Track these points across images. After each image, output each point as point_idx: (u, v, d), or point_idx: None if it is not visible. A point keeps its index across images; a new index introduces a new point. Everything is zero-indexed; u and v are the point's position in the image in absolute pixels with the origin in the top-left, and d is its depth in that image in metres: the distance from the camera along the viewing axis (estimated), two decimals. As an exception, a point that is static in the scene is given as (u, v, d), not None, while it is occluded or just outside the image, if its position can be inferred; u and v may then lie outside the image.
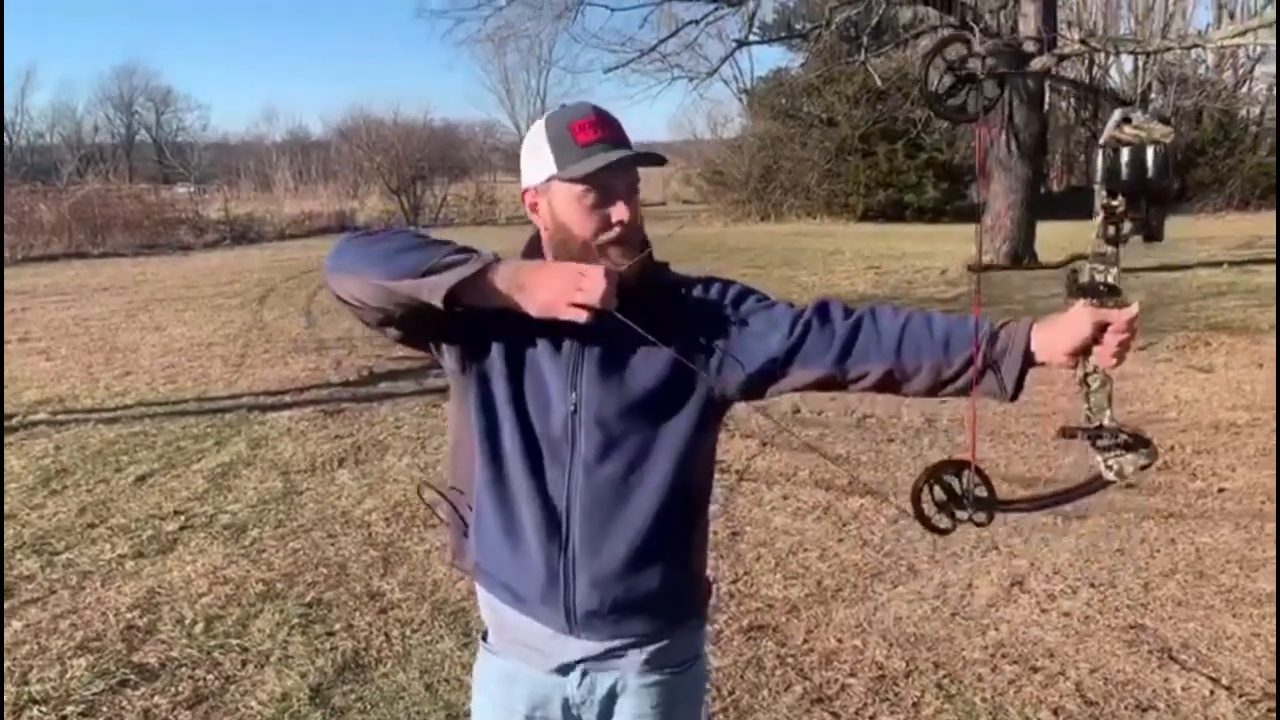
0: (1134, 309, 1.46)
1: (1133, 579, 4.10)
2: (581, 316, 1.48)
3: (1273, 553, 4.29)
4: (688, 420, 1.64)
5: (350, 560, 4.42)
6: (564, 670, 1.71)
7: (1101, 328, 1.47)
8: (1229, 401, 6.84)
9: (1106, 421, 1.52)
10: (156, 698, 3.30)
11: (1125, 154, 1.41)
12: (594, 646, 1.68)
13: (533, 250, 1.68)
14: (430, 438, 6.28)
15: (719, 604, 3.86)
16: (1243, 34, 13.30)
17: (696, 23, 17.84)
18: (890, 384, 1.62)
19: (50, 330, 10.93)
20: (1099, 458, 1.54)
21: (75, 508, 5.13)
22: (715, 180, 32.87)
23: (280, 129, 56.03)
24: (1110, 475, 1.54)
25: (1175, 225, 1.52)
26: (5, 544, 4.60)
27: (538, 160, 1.62)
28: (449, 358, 1.68)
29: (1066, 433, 1.56)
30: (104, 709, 3.24)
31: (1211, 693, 3.24)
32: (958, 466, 1.58)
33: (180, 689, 3.34)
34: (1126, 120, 1.41)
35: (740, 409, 5.69)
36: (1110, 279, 1.46)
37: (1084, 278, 1.48)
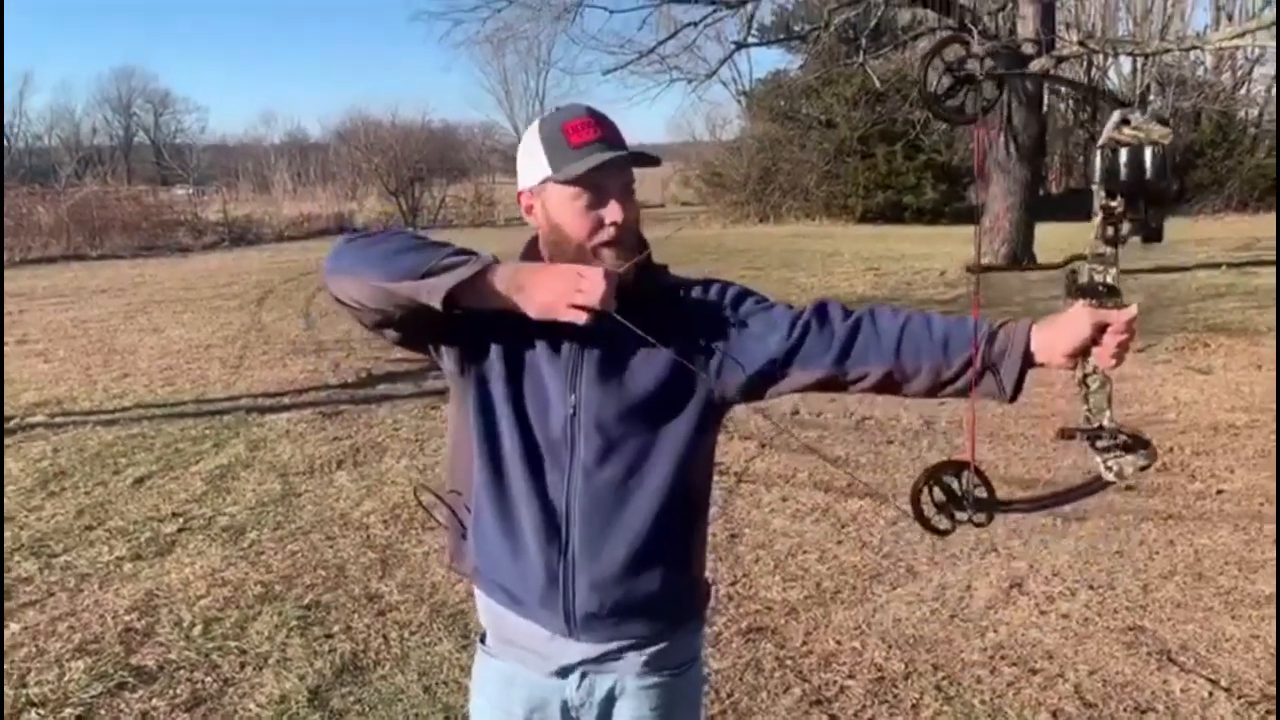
0: (1133, 310, 1.46)
1: (1131, 581, 4.09)
2: (581, 318, 1.48)
3: (1271, 554, 4.29)
4: (687, 423, 1.64)
5: (349, 562, 4.41)
6: (563, 673, 1.70)
7: (1101, 328, 1.47)
8: (1227, 403, 6.84)
9: (1106, 422, 1.52)
10: (154, 700, 3.29)
11: (1124, 155, 1.41)
12: (593, 649, 1.67)
13: (530, 253, 1.67)
14: (429, 440, 6.27)
15: (718, 606, 3.86)
16: (1241, 36, 13.30)
17: (695, 25, 17.85)
18: (890, 385, 1.61)
19: (48, 332, 10.93)
20: (1098, 459, 1.54)
21: (73, 510, 5.13)
22: (714, 182, 32.88)
23: (278, 131, 56.23)
24: (1109, 476, 1.54)
25: (1174, 227, 1.52)
26: (3, 546, 4.60)
27: (532, 162, 1.62)
28: (448, 360, 1.68)
29: (1066, 434, 1.56)
30: (102, 711, 3.24)
31: (1210, 694, 3.23)
32: (957, 467, 1.58)
33: (178, 691, 3.34)
34: (1125, 121, 1.41)
35: (739, 411, 5.70)
36: (1109, 280, 1.46)
37: (1083, 278, 1.48)
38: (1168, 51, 17.19)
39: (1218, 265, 14.42)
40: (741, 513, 4.93)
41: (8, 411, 7.08)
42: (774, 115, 31.12)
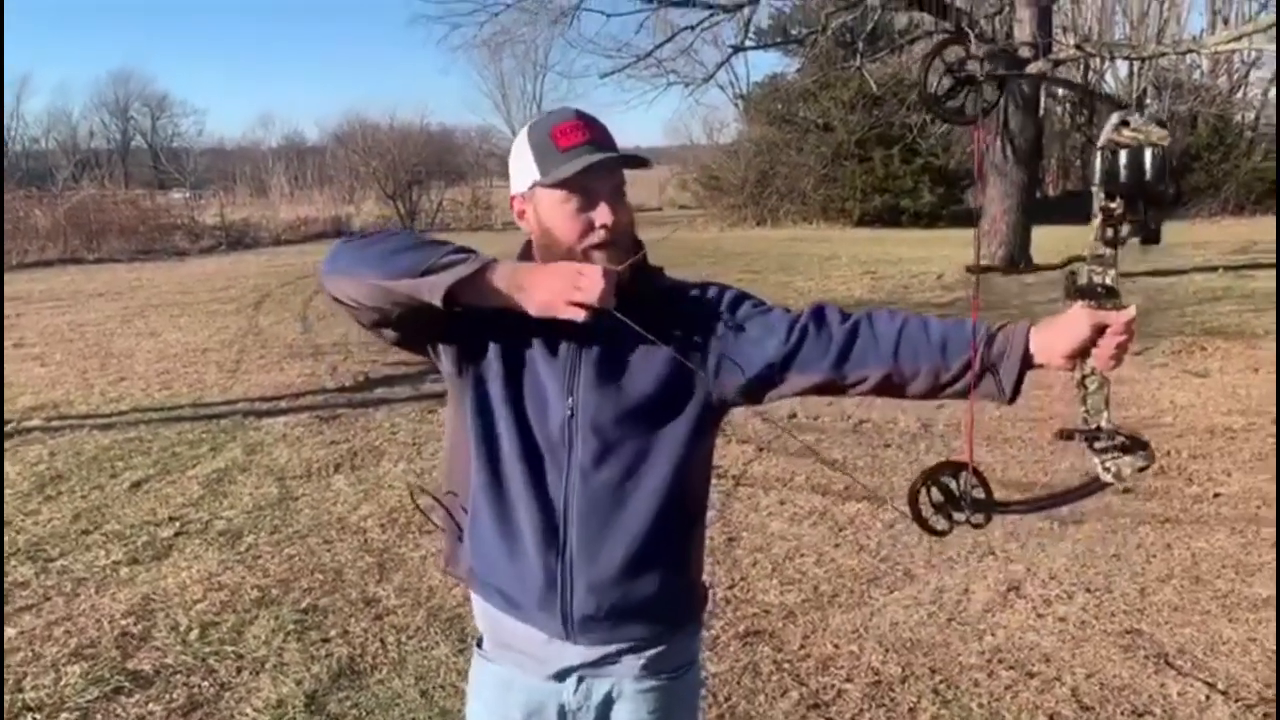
0: (1131, 311, 1.46)
1: (1129, 584, 4.09)
2: (580, 315, 1.48)
3: (1268, 557, 4.29)
4: (685, 426, 1.64)
5: (346, 566, 4.40)
6: (560, 676, 1.70)
7: (1099, 330, 1.47)
8: (1224, 406, 6.85)
9: (1104, 423, 1.52)
10: (151, 705, 3.28)
11: (1123, 156, 1.41)
12: (590, 652, 1.67)
13: (524, 258, 1.67)
14: (426, 443, 6.27)
15: (715, 609, 3.86)
16: (1237, 39, 13.33)
17: (692, 28, 17.84)
18: (888, 388, 1.61)
19: (45, 336, 10.92)
20: (1096, 460, 1.53)
21: (70, 514, 5.12)
22: (711, 185, 32.87)
23: (276, 134, 56.21)
24: (1107, 477, 1.54)
25: (1170, 230, 1.51)
26: (2, 550, 4.59)
27: (522, 167, 1.62)
28: (446, 360, 1.67)
29: (1064, 435, 1.56)
30: (98, 716, 3.23)
31: (1207, 698, 3.23)
32: (955, 468, 1.58)
33: (175, 696, 3.33)
34: (1124, 123, 1.41)
35: (737, 414, 5.70)
36: (1108, 281, 1.46)
37: (1082, 280, 1.47)
38: (1164, 55, 17.23)
39: (1214, 268, 14.43)
40: (739, 516, 4.93)
41: (4, 415, 7.06)
42: (771, 119, 31.11)
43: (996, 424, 6.13)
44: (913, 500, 1.56)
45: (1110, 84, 29.59)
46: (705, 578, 1.82)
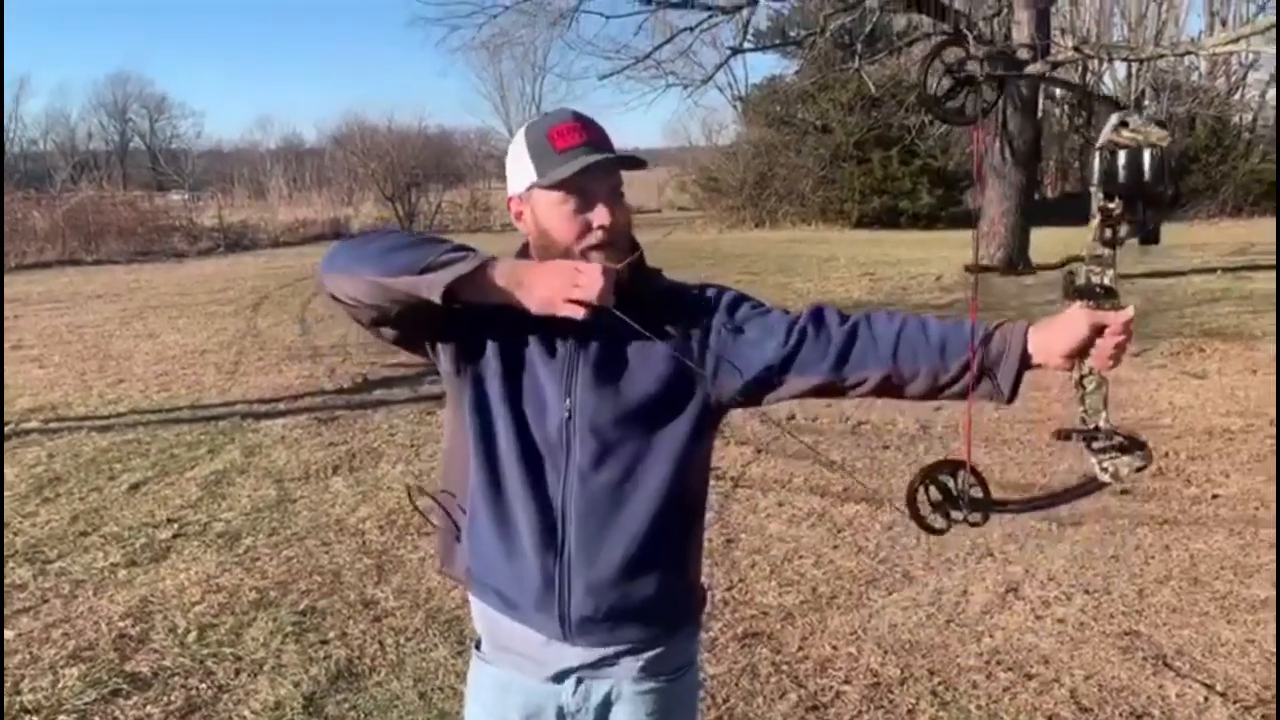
0: (1130, 311, 1.46)
1: (1127, 585, 4.09)
2: (578, 313, 1.48)
3: (1266, 559, 4.29)
4: (683, 427, 1.63)
5: (344, 568, 4.40)
6: (559, 678, 1.70)
7: (1098, 330, 1.47)
8: (1223, 407, 6.85)
9: (1102, 423, 1.52)
10: (149, 707, 3.28)
11: (1122, 157, 1.41)
12: (589, 654, 1.67)
13: (523, 258, 1.67)
14: (425, 445, 6.26)
15: (714, 611, 3.86)
16: (1235, 41, 13.33)
17: (691, 30, 17.87)
18: (888, 389, 1.61)
19: (43, 338, 10.91)
20: (1094, 460, 1.53)
21: (68, 516, 5.11)
22: (710, 187, 32.87)
23: (274, 136, 56.18)
24: (1105, 477, 1.54)
25: (1169, 232, 1.51)
26: (2, 551, 4.59)
27: (519, 169, 1.62)
28: (444, 359, 1.67)
29: (1062, 434, 1.56)
30: (96, 718, 3.22)
31: (1206, 699, 3.23)
32: (953, 467, 1.58)
33: (173, 698, 3.33)
34: (1123, 124, 1.41)
35: (736, 416, 5.69)
36: (1106, 281, 1.46)
37: (1080, 280, 1.48)
38: (1162, 57, 17.25)
39: (1213, 270, 14.44)
40: (738, 517, 4.93)
41: (3, 417, 7.05)
42: (770, 120, 31.13)
43: (995, 425, 6.13)
44: (911, 498, 1.56)
45: (1108, 86, 29.62)
46: (704, 579, 1.82)
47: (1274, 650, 3.52)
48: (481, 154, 39.17)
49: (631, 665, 1.69)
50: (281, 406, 7.43)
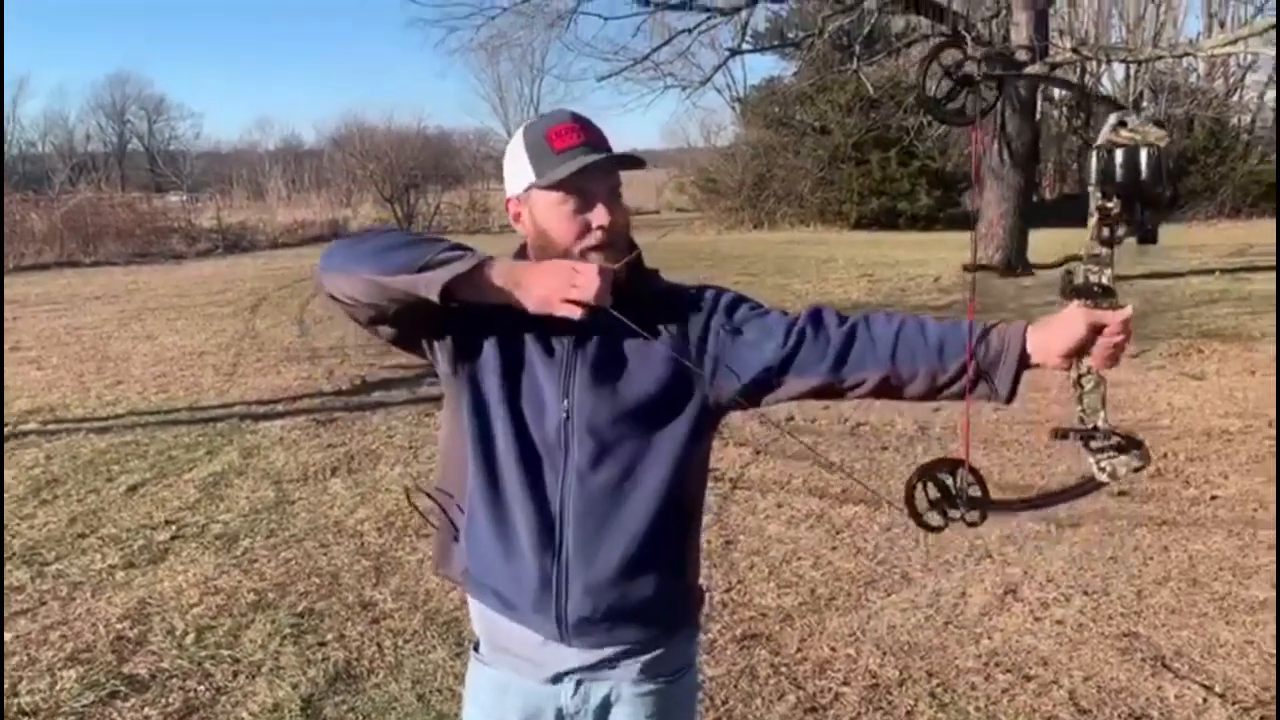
0: (1128, 310, 1.46)
1: (1126, 587, 4.09)
2: (576, 313, 1.48)
3: (1265, 560, 4.29)
4: (682, 428, 1.63)
5: (342, 570, 4.40)
6: (557, 679, 1.70)
7: (1096, 329, 1.47)
8: (1221, 409, 6.85)
9: (1100, 423, 1.51)
10: (147, 709, 3.28)
11: (1120, 156, 1.41)
12: (587, 655, 1.67)
13: (520, 259, 1.67)
14: (423, 447, 6.26)
15: (712, 613, 3.85)
16: (1233, 43, 13.34)
17: (689, 31, 17.88)
18: (886, 390, 1.61)
19: (41, 339, 10.90)
20: (1092, 459, 1.53)
21: (66, 518, 5.11)
22: (709, 188, 32.88)
23: (273, 137, 56.24)
24: (1103, 477, 1.53)
25: (1167, 233, 1.51)
26: (2, 553, 4.58)
27: (518, 169, 1.62)
28: (442, 359, 1.67)
29: (1059, 434, 1.55)
30: (93, 720, 3.22)
31: (1205, 700, 3.23)
32: (952, 465, 1.57)
33: (171, 700, 3.32)
34: (1122, 123, 1.41)
35: (734, 417, 5.68)
36: (1105, 280, 1.46)
37: (1078, 279, 1.47)
38: (1160, 58, 17.27)
39: (1211, 271, 14.45)
40: (736, 519, 4.92)
41: (1, 418, 7.05)
42: (768, 122, 31.13)
43: (993, 426, 6.13)
44: (909, 496, 1.56)
45: (1107, 87, 29.63)
46: (702, 580, 1.82)
47: (1273, 651, 3.52)
48: (480, 155, 39.17)
49: (631, 667, 1.69)
50: (280, 408, 7.43)
